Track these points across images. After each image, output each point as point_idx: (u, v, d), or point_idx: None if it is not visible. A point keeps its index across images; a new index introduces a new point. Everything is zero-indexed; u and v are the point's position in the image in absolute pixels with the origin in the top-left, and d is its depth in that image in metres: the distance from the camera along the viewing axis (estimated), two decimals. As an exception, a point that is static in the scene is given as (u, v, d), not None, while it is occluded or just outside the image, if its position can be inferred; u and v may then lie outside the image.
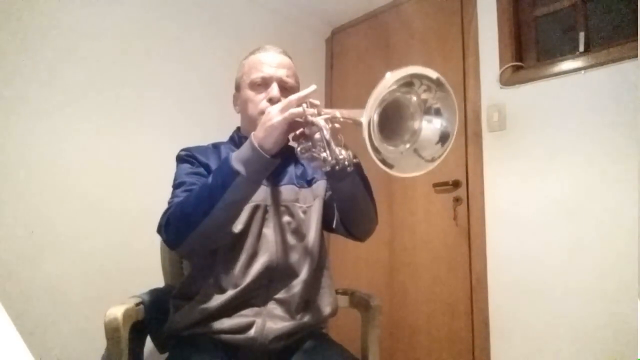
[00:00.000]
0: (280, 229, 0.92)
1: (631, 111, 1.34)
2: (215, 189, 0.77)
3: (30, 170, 1.30)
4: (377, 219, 0.95)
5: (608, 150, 1.38)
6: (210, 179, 0.79)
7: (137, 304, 0.92)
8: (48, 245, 1.31)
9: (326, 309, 0.95)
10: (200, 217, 0.76)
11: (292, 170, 0.99)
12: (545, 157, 1.53)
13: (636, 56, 1.32)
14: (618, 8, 1.49)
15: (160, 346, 0.96)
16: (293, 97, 0.77)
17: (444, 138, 0.66)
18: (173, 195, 0.89)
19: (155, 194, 1.22)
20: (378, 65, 2.17)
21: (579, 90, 1.47)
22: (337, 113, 0.71)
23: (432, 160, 0.66)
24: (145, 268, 1.24)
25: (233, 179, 0.75)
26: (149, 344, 0.96)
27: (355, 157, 0.72)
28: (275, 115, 0.75)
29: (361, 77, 2.25)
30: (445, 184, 1.77)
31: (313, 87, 0.78)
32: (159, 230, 0.84)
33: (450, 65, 1.85)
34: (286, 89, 0.96)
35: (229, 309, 0.85)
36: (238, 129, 1.06)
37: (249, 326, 0.84)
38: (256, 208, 0.90)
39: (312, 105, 0.76)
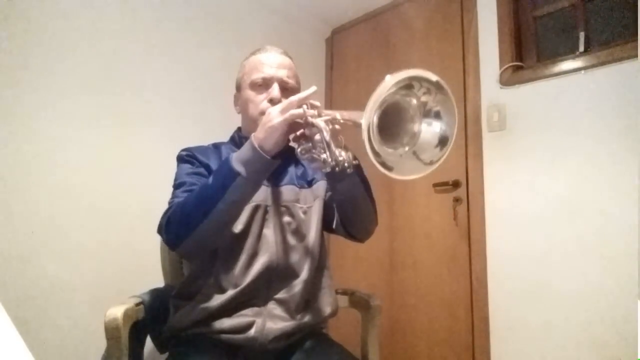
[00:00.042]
0: (281, 229, 0.92)
1: (631, 111, 1.34)
2: (216, 189, 0.77)
3: (30, 170, 1.30)
4: (376, 220, 0.95)
5: (608, 150, 1.38)
6: (210, 180, 0.79)
7: (137, 304, 0.92)
8: (48, 245, 1.31)
9: (326, 309, 0.95)
10: (201, 218, 0.76)
11: (292, 171, 1.00)
12: (545, 157, 1.53)
13: (636, 56, 1.32)
14: (618, 8, 1.49)
15: (160, 346, 0.96)
16: (293, 98, 0.77)
17: (443, 141, 0.66)
18: (173, 196, 0.89)
19: (155, 194, 1.22)
20: (378, 65, 2.17)
21: (579, 90, 1.47)
22: (337, 115, 0.71)
23: (431, 163, 0.66)
24: (145, 268, 1.24)
25: (233, 180, 0.75)
26: (149, 344, 0.96)
27: (355, 158, 0.72)
28: (275, 116, 0.75)
29: (361, 77, 2.25)
30: (445, 184, 1.77)
31: (313, 89, 0.78)
32: (160, 231, 0.84)
33: (450, 65, 1.85)
34: (287, 90, 0.96)
35: (229, 309, 0.85)
36: (239, 129, 1.06)
37: (249, 326, 0.84)
38: (256, 208, 0.90)
39: (313, 107, 0.76)
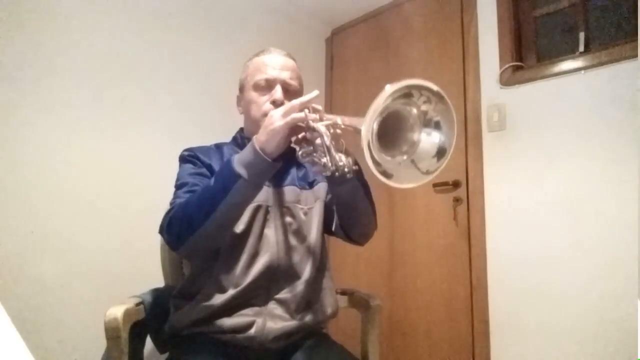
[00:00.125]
0: (282, 229, 0.92)
1: (631, 111, 1.34)
2: (217, 191, 0.77)
3: (30, 170, 1.30)
4: (376, 223, 0.96)
5: (608, 150, 1.38)
6: (212, 182, 0.80)
7: (137, 304, 0.92)
8: (48, 245, 1.31)
9: (327, 310, 0.95)
10: (202, 219, 0.77)
11: (294, 172, 1.00)
12: (545, 157, 1.53)
13: (636, 56, 1.32)
14: (618, 8, 1.49)
15: (160, 346, 0.96)
16: (296, 102, 0.77)
17: (441, 152, 0.66)
18: (175, 196, 0.89)
19: (156, 194, 1.23)
20: (378, 65, 2.17)
21: (579, 90, 1.47)
22: (339, 120, 0.72)
23: (428, 173, 0.66)
24: (145, 268, 1.24)
25: (235, 182, 0.75)
26: (149, 344, 0.96)
27: (355, 163, 0.73)
28: (277, 119, 0.76)
29: (361, 77, 2.25)
30: (445, 184, 1.77)
31: (316, 93, 0.79)
32: (161, 231, 0.85)
33: (450, 65, 1.85)
34: (289, 92, 0.96)
35: (229, 309, 0.85)
36: (241, 129, 1.07)
37: (249, 326, 0.84)
38: (258, 208, 0.90)
39: (314, 111, 0.77)
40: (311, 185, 1.00)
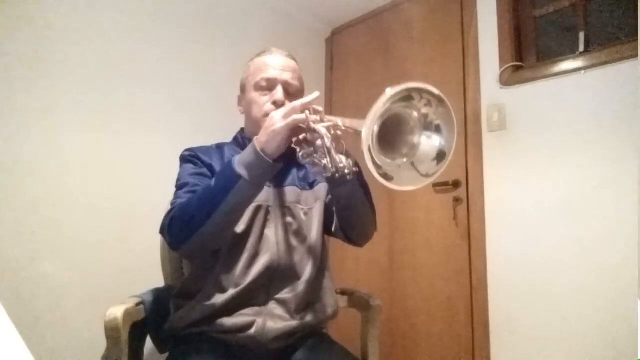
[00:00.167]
0: (282, 229, 0.92)
1: (631, 111, 1.34)
2: (218, 192, 0.77)
3: (30, 171, 1.30)
4: (376, 225, 0.96)
5: (608, 150, 1.38)
6: (213, 182, 0.80)
7: (137, 304, 0.92)
8: (48, 245, 1.31)
9: (327, 311, 0.95)
10: (203, 220, 0.77)
11: (294, 172, 1.00)
12: (545, 157, 1.53)
13: (636, 56, 1.32)
14: (618, 8, 1.49)
15: (160, 346, 0.96)
16: (296, 103, 0.78)
17: (440, 156, 0.67)
18: (176, 196, 0.89)
19: (156, 194, 1.23)
20: (378, 65, 2.17)
21: (579, 90, 1.47)
22: (339, 121, 0.72)
23: (427, 176, 0.67)
24: (145, 268, 1.24)
25: (235, 183, 0.76)
26: (149, 344, 0.96)
27: (356, 165, 0.73)
28: (278, 120, 0.76)
29: (361, 77, 2.25)
30: (445, 184, 1.77)
31: (316, 94, 0.79)
32: (162, 231, 0.85)
33: (450, 65, 1.85)
34: (290, 92, 0.97)
35: (229, 309, 0.85)
36: (242, 129, 1.07)
37: (249, 325, 0.84)
38: (259, 208, 0.91)
39: (315, 112, 0.77)
40: (311, 185, 1.00)
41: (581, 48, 1.52)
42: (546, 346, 1.45)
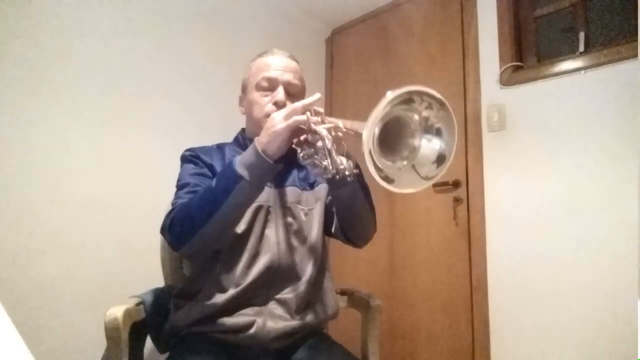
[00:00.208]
0: (282, 229, 0.92)
1: (631, 111, 1.34)
2: (219, 192, 0.78)
3: (30, 171, 1.30)
4: (375, 226, 0.96)
5: (608, 150, 1.38)
6: (214, 183, 0.80)
7: (137, 304, 0.92)
8: (48, 245, 1.31)
9: (327, 311, 0.95)
10: (204, 220, 0.77)
11: (295, 173, 1.00)
12: (545, 157, 1.53)
13: (636, 56, 1.32)
14: (618, 8, 1.49)
15: (160, 346, 0.96)
16: (298, 104, 0.78)
17: (440, 159, 0.67)
18: (177, 196, 0.89)
19: (156, 194, 1.23)
20: (378, 65, 2.17)
21: (579, 90, 1.47)
22: (340, 123, 0.72)
23: (427, 178, 0.67)
24: (145, 268, 1.24)
25: (236, 183, 0.76)
26: (149, 344, 0.96)
27: (356, 166, 0.73)
28: (279, 121, 0.76)
29: (361, 77, 2.25)
30: (445, 184, 1.77)
31: (318, 96, 0.79)
32: (163, 232, 0.85)
33: (450, 65, 1.85)
34: (292, 93, 0.97)
35: (229, 308, 0.85)
36: (243, 130, 1.07)
37: (249, 325, 0.84)
38: (259, 208, 0.91)
39: (316, 114, 0.77)
40: (312, 186, 1.00)
41: (581, 48, 1.52)
42: (546, 346, 1.45)
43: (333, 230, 0.98)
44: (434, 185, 1.81)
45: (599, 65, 1.43)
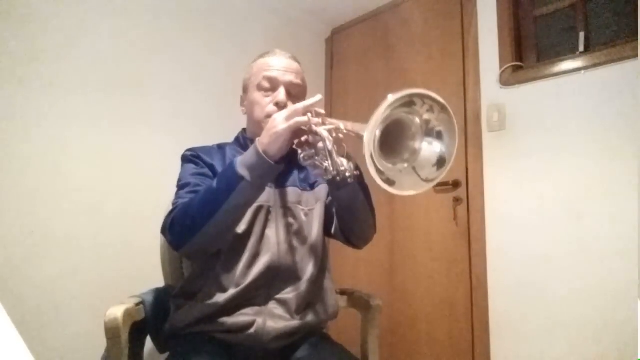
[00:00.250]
0: (283, 230, 0.92)
1: (631, 111, 1.34)
2: (220, 192, 0.78)
3: (30, 171, 1.30)
4: (375, 228, 0.96)
5: (608, 150, 1.38)
6: (215, 183, 0.80)
7: (137, 304, 0.92)
8: (48, 245, 1.31)
9: (327, 311, 0.95)
10: (205, 220, 0.77)
11: (295, 173, 1.00)
12: (545, 157, 1.53)
13: (636, 56, 1.32)
14: (618, 8, 1.49)
15: (160, 346, 0.96)
16: (299, 105, 0.78)
17: (441, 162, 0.67)
18: (177, 196, 0.89)
19: (156, 194, 1.23)
20: (378, 65, 2.17)
21: (579, 90, 1.47)
22: (341, 125, 0.72)
23: (427, 181, 0.67)
24: (145, 268, 1.24)
25: (237, 184, 0.76)
26: (149, 344, 0.96)
27: (357, 168, 0.73)
28: (280, 122, 0.77)
29: (361, 77, 2.25)
30: (445, 184, 1.77)
31: (319, 97, 0.79)
32: (163, 232, 0.85)
33: (450, 65, 1.85)
34: (293, 94, 0.97)
35: (230, 308, 0.85)
36: (244, 130, 1.07)
37: (249, 325, 0.84)
38: (260, 209, 0.91)
39: (318, 115, 0.78)
40: (312, 186, 1.01)
41: (581, 48, 1.52)
42: (546, 346, 1.45)
43: (333, 231, 0.98)
44: (434, 186, 1.81)
45: (598, 65, 1.43)
